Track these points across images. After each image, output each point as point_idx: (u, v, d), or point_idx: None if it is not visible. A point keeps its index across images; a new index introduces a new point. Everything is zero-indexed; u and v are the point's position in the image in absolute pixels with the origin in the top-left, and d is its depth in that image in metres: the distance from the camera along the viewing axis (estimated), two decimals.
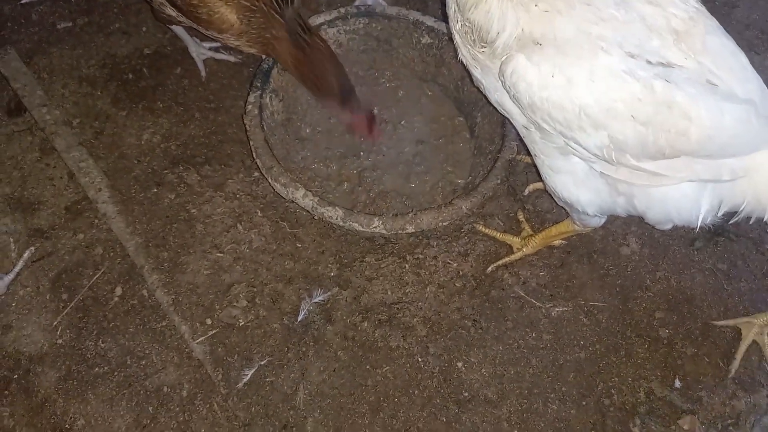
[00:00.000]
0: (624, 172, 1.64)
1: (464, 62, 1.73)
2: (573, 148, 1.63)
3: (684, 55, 1.51)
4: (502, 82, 1.59)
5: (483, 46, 1.61)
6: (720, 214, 1.71)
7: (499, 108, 1.75)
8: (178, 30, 2.52)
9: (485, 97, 1.78)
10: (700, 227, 2.29)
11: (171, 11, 2.24)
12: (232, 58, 2.66)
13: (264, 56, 2.34)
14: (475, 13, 1.55)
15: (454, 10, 1.64)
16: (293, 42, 2.13)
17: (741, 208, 1.66)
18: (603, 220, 1.99)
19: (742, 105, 1.53)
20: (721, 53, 1.57)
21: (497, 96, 1.69)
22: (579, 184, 1.76)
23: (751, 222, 1.73)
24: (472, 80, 1.80)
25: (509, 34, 1.53)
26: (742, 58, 1.63)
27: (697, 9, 1.61)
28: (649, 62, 1.48)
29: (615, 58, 1.46)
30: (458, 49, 1.70)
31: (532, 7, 1.50)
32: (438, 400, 2.01)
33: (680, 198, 1.68)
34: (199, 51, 2.60)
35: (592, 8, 1.51)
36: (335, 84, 2.18)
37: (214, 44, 2.65)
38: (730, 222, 1.74)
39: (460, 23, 1.64)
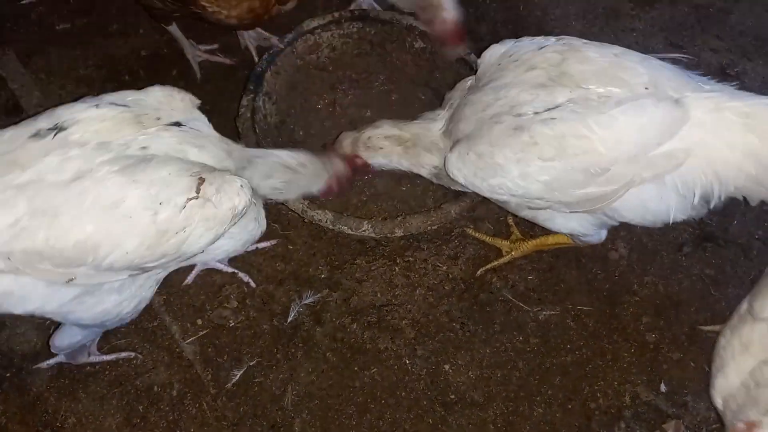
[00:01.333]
0: (586, 203, 1.73)
1: None
2: (535, 204, 1.80)
3: (569, 91, 1.67)
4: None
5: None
6: (696, 201, 1.71)
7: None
8: (175, 32, 2.55)
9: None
10: (688, 231, 2.34)
11: (159, 3, 2.24)
12: (227, 60, 2.69)
13: (257, 57, 2.35)
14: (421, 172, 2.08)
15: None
16: None
17: (711, 189, 1.67)
18: (604, 234, 2.04)
19: (633, 102, 1.60)
20: (599, 71, 1.69)
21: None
22: (569, 220, 1.90)
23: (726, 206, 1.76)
24: None
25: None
26: (626, 59, 1.73)
27: (564, 48, 1.77)
28: (536, 113, 1.67)
29: (504, 124, 1.70)
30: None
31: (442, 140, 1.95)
32: (425, 402, 2.03)
33: (645, 200, 1.72)
34: (195, 53, 2.63)
35: (478, 104, 1.80)
36: None
37: (210, 47, 2.68)
38: (712, 206, 1.73)
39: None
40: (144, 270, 1.58)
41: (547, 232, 2.15)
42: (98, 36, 2.84)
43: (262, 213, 1.87)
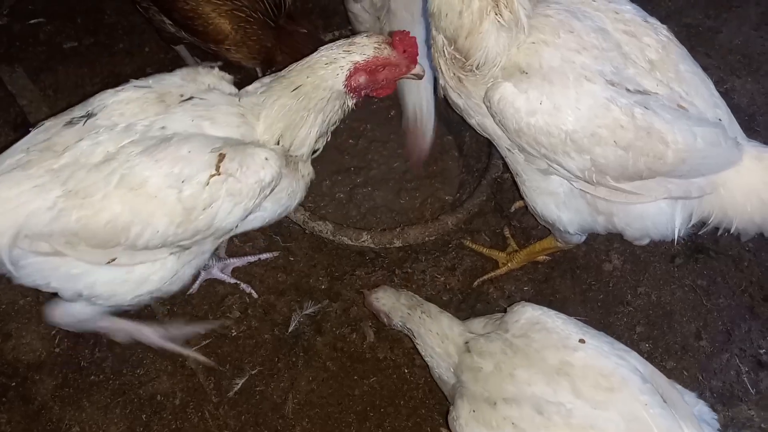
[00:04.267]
0: (603, 190, 1.72)
1: (444, 86, 1.80)
2: (555, 169, 1.71)
3: (657, 83, 1.61)
4: (487, 107, 1.66)
5: (468, 72, 1.68)
6: (691, 225, 1.78)
7: (479, 130, 1.83)
8: (181, 51, 2.62)
9: (462, 118, 1.86)
10: (681, 243, 2.39)
11: (171, 28, 2.33)
12: (231, 77, 2.75)
13: (261, 73, 2.43)
14: (467, 42, 1.61)
15: (443, 39, 1.70)
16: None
17: (710, 220, 1.74)
18: (584, 238, 2.06)
19: (713, 128, 1.61)
20: (691, 80, 1.66)
21: (478, 119, 1.77)
22: (560, 205, 1.84)
23: (719, 233, 1.81)
24: (448, 103, 1.88)
25: (498, 62, 1.61)
26: (710, 85, 1.72)
27: (669, 39, 1.70)
28: (628, 90, 1.56)
29: (598, 86, 1.54)
30: (440, 75, 1.78)
31: (522, 37, 1.59)
32: (423, 411, 2.06)
33: (657, 214, 1.76)
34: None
35: (575, 36, 1.59)
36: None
37: (215, 63, 2.75)
38: (700, 232, 1.81)
39: (447, 51, 1.70)
40: (183, 247, 1.62)
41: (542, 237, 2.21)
42: (105, 54, 2.91)
43: (300, 185, 1.81)
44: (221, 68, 2.71)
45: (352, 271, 2.32)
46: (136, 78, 2.75)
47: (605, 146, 1.57)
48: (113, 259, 1.56)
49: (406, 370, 2.13)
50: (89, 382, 2.09)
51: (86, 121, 1.58)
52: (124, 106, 1.60)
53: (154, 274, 1.67)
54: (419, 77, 1.78)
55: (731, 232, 1.75)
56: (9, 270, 1.58)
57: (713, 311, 2.27)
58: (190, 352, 2.07)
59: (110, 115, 1.59)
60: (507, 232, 2.38)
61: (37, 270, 1.59)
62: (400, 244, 2.13)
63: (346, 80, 1.64)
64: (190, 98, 1.64)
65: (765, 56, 3.02)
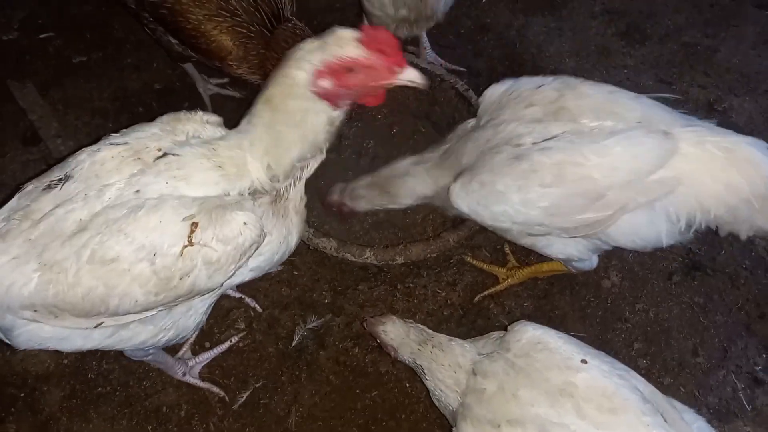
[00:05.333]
0: (583, 228, 1.81)
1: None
2: (536, 231, 1.86)
3: (564, 124, 1.78)
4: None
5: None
6: (683, 228, 1.80)
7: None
8: (188, 67, 2.68)
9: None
10: (678, 261, 2.43)
11: (178, 47, 2.39)
12: (236, 94, 2.81)
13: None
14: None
15: None
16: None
17: (695, 216, 1.76)
18: (595, 261, 2.13)
19: (626, 132, 1.71)
20: (595, 106, 1.80)
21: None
22: (565, 246, 1.98)
23: (714, 229, 1.82)
24: None
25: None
26: (620, 96, 1.84)
27: (561, 86, 1.87)
28: (533, 143, 1.77)
29: (504, 153, 1.79)
30: None
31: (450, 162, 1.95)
32: (424, 425, 2.10)
33: (637, 225, 1.81)
34: (206, 87, 2.75)
35: (481, 139, 1.89)
36: None
37: (221, 80, 2.81)
38: (692, 230, 1.81)
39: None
40: (169, 307, 1.57)
41: (544, 259, 2.25)
42: (113, 69, 2.97)
43: (293, 231, 1.72)
44: (228, 84, 2.80)
45: (354, 285, 2.36)
46: (144, 94, 2.85)
47: (537, 194, 1.73)
48: (100, 323, 1.52)
49: (407, 385, 2.16)
50: (96, 394, 2.13)
51: (63, 185, 1.50)
52: (99, 167, 1.50)
53: (146, 331, 1.64)
54: (418, 85, 1.50)
55: (715, 227, 1.79)
56: (3, 339, 1.57)
57: (710, 328, 2.31)
58: (205, 385, 2.12)
59: (86, 177, 1.49)
60: (507, 248, 2.43)
61: (32, 336, 1.56)
62: (403, 261, 2.17)
63: (310, 83, 1.42)
64: (164, 155, 1.51)
65: (762, 75, 3.07)
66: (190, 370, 2.13)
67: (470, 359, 1.66)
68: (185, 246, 1.41)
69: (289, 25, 2.23)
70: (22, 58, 3.01)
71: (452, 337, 1.78)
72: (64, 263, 1.41)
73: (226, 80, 2.82)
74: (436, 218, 2.52)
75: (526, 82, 1.95)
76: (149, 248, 1.40)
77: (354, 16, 3.14)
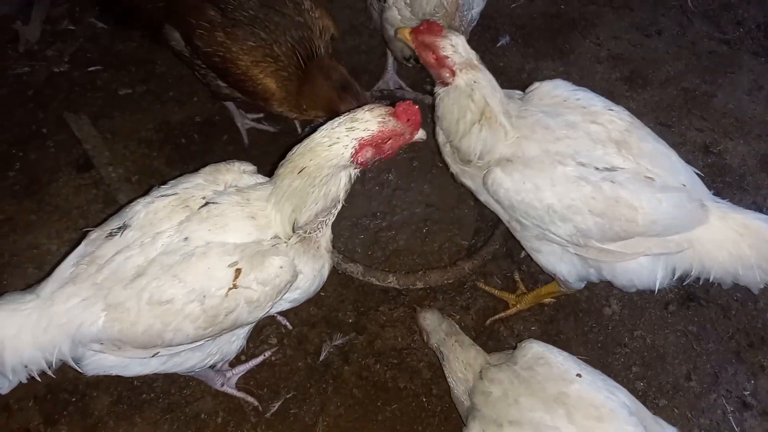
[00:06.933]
0: (592, 251, 2.01)
1: (454, 172, 2.19)
2: (548, 236, 2.02)
3: (624, 159, 1.92)
4: (486, 191, 2.02)
5: (465, 163, 2.08)
6: (675, 278, 2.04)
7: (487, 205, 2.18)
8: (230, 105, 2.92)
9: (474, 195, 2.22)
10: (674, 292, 2.64)
11: (226, 90, 2.64)
12: (271, 129, 3.06)
13: (300, 129, 2.71)
14: (461, 142, 2.03)
15: (443, 138, 2.13)
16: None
17: (692, 272, 2.00)
18: (584, 284, 2.32)
19: (676, 193, 1.90)
20: (654, 154, 1.96)
21: (484, 197, 2.13)
22: (558, 260, 2.14)
23: (705, 283, 2.04)
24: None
25: (485, 157, 2.01)
26: (673, 156, 2.01)
27: (631, 122, 2.02)
28: (596, 168, 1.90)
29: (570, 168, 1.89)
30: (449, 165, 2.19)
31: (506, 136, 1.97)
32: None
33: (639, 269, 2.03)
34: (243, 121, 3.00)
35: (549, 131, 1.95)
36: (331, 92, 2.33)
37: (257, 115, 3.06)
38: (685, 283, 2.05)
39: (449, 147, 2.13)
40: (215, 337, 1.79)
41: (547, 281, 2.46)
42: (156, 102, 3.22)
43: (326, 264, 1.89)
44: (263, 119, 3.05)
45: (376, 307, 2.57)
46: (186, 126, 3.10)
47: (582, 215, 1.89)
48: (157, 353, 1.75)
49: (424, 399, 2.36)
50: (141, 400, 2.34)
51: (122, 233, 1.72)
52: (153, 215, 1.72)
53: (195, 357, 1.88)
54: (422, 140, 1.80)
55: (711, 281, 2.00)
56: (75, 367, 1.78)
57: (702, 355, 2.50)
58: (241, 395, 2.32)
59: (142, 225, 1.72)
60: (517, 276, 2.64)
61: (98, 365, 1.79)
62: (422, 285, 2.38)
63: (352, 157, 1.63)
64: (206, 204, 1.73)
65: (756, 120, 3.30)
66: (228, 380, 2.34)
67: (480, 364, 1.95)
68: (230, 289, 1.64)
69: (316, 60, 2.42)
70: (73, 89, 3.26)
71: (474, 343, 2.08)
72: (127, 304, 1.63)
73: (261, 115, 3.07)
74: (451, 246, 2.75)
75: (595, 97, 2.07)
76: (199, 291, 1.63)
77: (378, 57, 3.40)
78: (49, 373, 1.74)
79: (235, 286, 1.64)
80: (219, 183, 1.83)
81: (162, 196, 1.77)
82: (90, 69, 3.35)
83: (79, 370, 1.79)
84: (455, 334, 2.13)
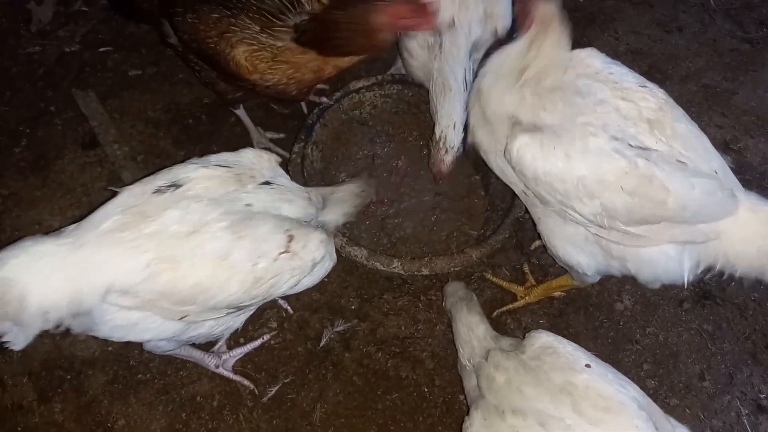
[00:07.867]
0: (615, 234, 1.90)
1: (472, 126, 2.11)
2: (571, 215, 1.90)
3: (657, 140, 1.81)
4: (508, 160, 1.89)
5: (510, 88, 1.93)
6: (700, 271, 1.94)
7: (500, 174, 2.08)
8: (242, 114, 2.82)
9: (486, 162, 2.12)
10: (689, 289, 2.55)
11: (223, 85, 2.54)
12: (286, 154, 2.74)
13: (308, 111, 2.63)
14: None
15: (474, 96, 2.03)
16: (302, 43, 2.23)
17: (716, 266, 1.89)
18: (598, 278, 2.23)
19: (708, 179, 1.80)
20: (687, 137, 1.85)
21: (497, 163, 2.03)
22: (578, 250, 2.03)
23: (725, 279, 1.96)
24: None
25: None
26: (706, 141, 1.91)
27: (665, 100, 1.89)
28: (630, 145, 1.78)
29: (602, 139, 1.77)
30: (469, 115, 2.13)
31: (529, 104, 1.87)
32: (440, 428, 2.22)
33: (666, 260, 1.93)
34: (260, 140, 2.88)
35: (575, 106, 1.84)
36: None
37: (276, 135, 2.94)
38: (707, 277, 1.95)
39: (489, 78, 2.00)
40: (238, 308, 1.86)
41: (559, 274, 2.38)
42: (165, 84, 3.19)
43: (333, 248, 2.04)
44: (282, 140, 2.91)
45: (380, 294, 2.51)
46: (194, 107, 3.06)
47: (612, 191, 1.76)
48: (185, 316, 1.78)
49: (426, 389, 2.30)
50: (137, 380, 2.30)
51: (174, 190, 1.78)
52: (207, 181, 1.82)
53: (214, 329, 1.95)
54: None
55: (735, 277, 1.89)
56: (92, 326, 1.75)
57: (717, 355, 2.41)
58: (238, 378, 2.28)
59: (195, 187, 1.79)
60: (526, 268, 2.57)
61: (116, 326, 1.77)
62: (428, 273, 2.31)
63: None
64: (267, 182, 1.92)
65: None
66: (224, 363, 2.29)
67: (482, 333, 2.02)
68: (281, 253, 1.78)
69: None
70: (83, 69, 3.24)
71: (482, 313, 2.11)
72: (181, 256, 1.67)
73: (282, 135, 2.95)
74: (460, 236, 2.68)
75: (629, 74, 1.95)
76: (256, 251, 1.74)
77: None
78: (60, 329, 1.70)
79: (287, 250, 1.78)
80: (263, 167, 1.99)
81: (216, 165, 1.88)
82: (101, 50, 3.33)
83: (94, 333, 1.78)
84: (467, 299, 2.17)
